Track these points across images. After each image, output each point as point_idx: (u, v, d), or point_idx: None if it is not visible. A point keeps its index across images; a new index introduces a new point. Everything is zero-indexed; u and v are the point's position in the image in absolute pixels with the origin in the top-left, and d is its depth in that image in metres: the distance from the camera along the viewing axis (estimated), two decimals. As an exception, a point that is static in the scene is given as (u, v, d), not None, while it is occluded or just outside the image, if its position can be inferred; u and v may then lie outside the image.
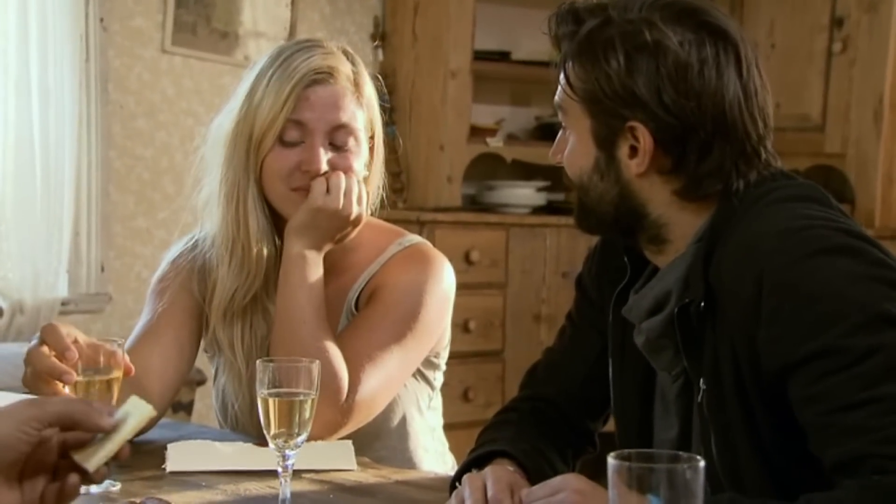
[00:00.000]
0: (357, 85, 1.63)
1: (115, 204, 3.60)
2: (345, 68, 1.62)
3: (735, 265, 1.21)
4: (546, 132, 4.07)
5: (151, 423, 1.61)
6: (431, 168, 3.93)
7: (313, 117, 1.59)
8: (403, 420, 1.72)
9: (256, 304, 1.65)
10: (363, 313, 1.66)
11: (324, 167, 1.59)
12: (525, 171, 4.11)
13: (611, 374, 1.43)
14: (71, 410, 1.00)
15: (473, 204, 4.07)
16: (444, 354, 1.78)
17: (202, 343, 1.73)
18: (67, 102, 3.35)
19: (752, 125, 1.27)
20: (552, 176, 4.01)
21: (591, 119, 1.30)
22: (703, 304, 1.23)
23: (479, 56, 3.91)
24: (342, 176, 1.59)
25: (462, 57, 3.86)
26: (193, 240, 1.75)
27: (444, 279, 1.69)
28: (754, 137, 1.28)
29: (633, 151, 1.28)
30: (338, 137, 1.61)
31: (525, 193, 4.03)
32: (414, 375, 1.72)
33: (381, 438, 1.69)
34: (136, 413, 1.06)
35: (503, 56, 4.04)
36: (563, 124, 1.35)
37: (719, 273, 1.23)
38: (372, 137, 1.67)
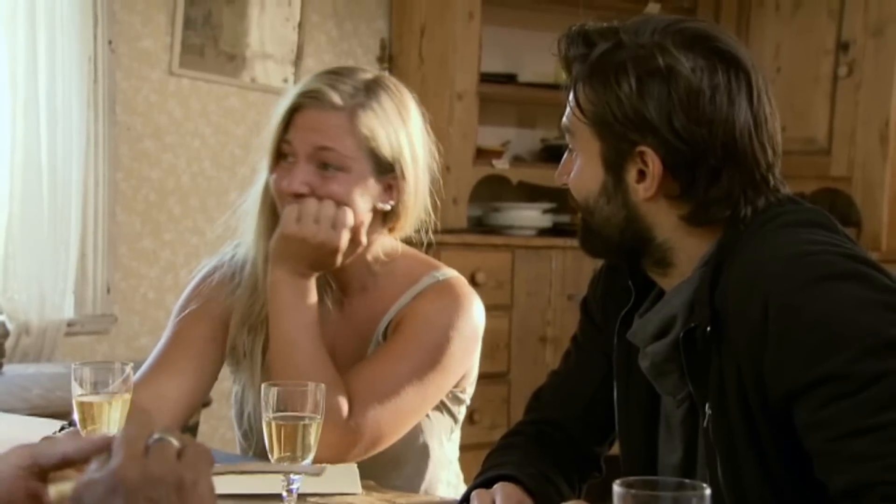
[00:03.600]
0: (352, 111, 1.60)
1: (122, 225, 3.61)
2: (339, 94, 1.59)
3: (741, 290, 1.20)
4: (552, 154, 4.07)
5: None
6: (437, 190, 3.92)
7: (296, 137, 1.59)
8: (424, 451, 1.71)
9: None
10: (386, 343, 1.66)
11: (295, 187, 1.58)
12: (531, 193, 4.11)
13: (615, 397, 1.42)
14: (64, 450, 0.92)
15: (479, 226, 4.07)
16: (470, 391, 1.76)
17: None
18: (75, 123, 3.37)
19: (762, 153, 1.27)
20: (558, 198, 4.00)
21: (599, 142, 1.29)
22: (708, 328, 1.23)
23: (486, 78, 3.92)
24: (311, 202, 1.57)
25: (468, 79, 3.87)
26: (234, 245, 1.74)
27: (474, 316, 1.68)
28: (763, 165, 1.27)
29: (642, 175, 1.27)
30: (321, 162, 1.59)
31: (531, 215, 4.03)
32: (438, 408, 1.71)
33: (399, 468, 1.69)
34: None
35: (509, 78, 4.05)
36: (571, 146, 1.35)
37: (725, 297, 1.22)
38: (392, 170, 1.64)
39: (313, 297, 1.61)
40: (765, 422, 1.19)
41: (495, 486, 1.29)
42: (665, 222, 1.29)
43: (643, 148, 1.26)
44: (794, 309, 1.15)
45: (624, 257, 1.37)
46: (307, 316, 1.59)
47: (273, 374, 1.59)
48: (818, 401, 1.13)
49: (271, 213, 1.64)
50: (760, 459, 1.21)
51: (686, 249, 1.30)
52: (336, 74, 1.63)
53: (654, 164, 1.26)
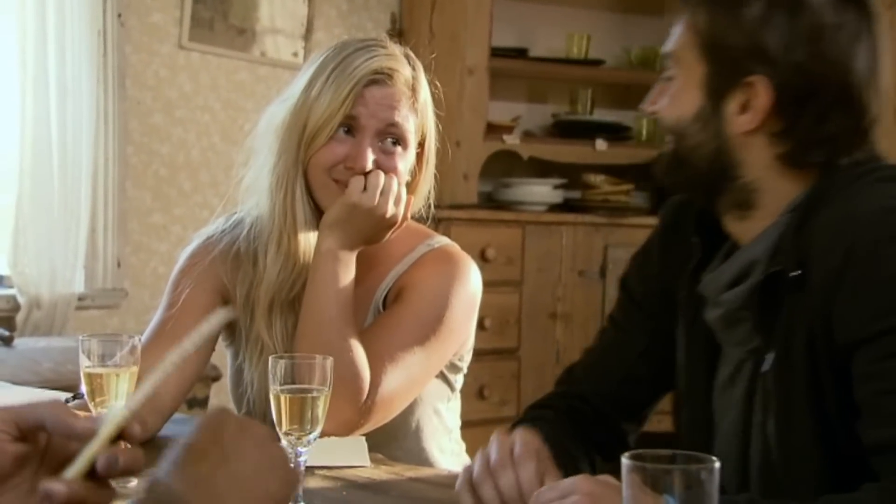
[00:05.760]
0: (414, 90, 1.64)
1: (132, 200, 3.61)
2: (405, 71, 1.63)
3: (827, 237, 1.18)
4: (563, 129, 4.05)
5: (162, 419, 1.60)
6: (447, 165, 3.92)
7: (366, 113, 1.60)
8: (421, 421, 1.71)
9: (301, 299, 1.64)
10: (388, 312, 1.66)
11: (369, 165, 1.59)
12: (541, 169, 4.10)
13: (679, 357, 1.40)
14: (42, 415, 0.91)
15: (489, 201, 4.06)
16: (467, 358, 1.77)
17: (221, 334, 1.72)
18: (85, 98, 3.36)
19: (873, 101, 1.24)
20: (569, 173, 4.00)
21: (706, 66, 1.26)
22: (794, 273, 1.20)
23: (496, 53, 3.90)
24: (381, 175, 1.59)
25: (479, 54, 3.85)
26: (231, 221, 1.73)
27: (471, 282, 1.69)
28: (870, 114, 1.24)
29: (744, 107, 1.24)
30: (387, 138, 1.62)
31: (541, 191, 4.02)
32: (436, 376, 1.72)
33: (398, 438, 1.69)
34: (109, 416, 0.92)
35: (520, 53, 4.03)
36: (670, 73, 1.31)
37: (809, 244, 1.20)
38: (422, 144, 1.67)
39: (353, 272, 1.61)
40: (828, 370, 1.17)
41: (515, 430, 1.26)
42: (757, 160, 1.26)
43: (754, 78, 1.22)
44: (876, 258, 1.14)
45: (703, 194, 1.33)
46: (345, 292, 1.59)
47: (297, 345, 1.58)
48: (877, 352, 1.12)
49: (305, 187, 1.62)
50: (818, 409, 1.19)
51: (774, 192, 1.26)
52: (383, 48, 1.62)
53: (762, 97, 1.22)
